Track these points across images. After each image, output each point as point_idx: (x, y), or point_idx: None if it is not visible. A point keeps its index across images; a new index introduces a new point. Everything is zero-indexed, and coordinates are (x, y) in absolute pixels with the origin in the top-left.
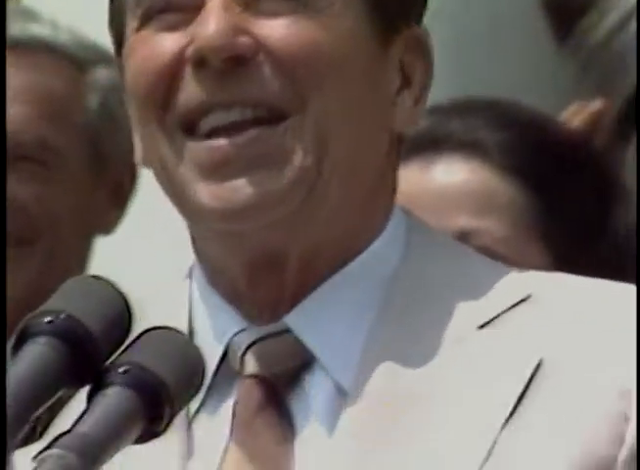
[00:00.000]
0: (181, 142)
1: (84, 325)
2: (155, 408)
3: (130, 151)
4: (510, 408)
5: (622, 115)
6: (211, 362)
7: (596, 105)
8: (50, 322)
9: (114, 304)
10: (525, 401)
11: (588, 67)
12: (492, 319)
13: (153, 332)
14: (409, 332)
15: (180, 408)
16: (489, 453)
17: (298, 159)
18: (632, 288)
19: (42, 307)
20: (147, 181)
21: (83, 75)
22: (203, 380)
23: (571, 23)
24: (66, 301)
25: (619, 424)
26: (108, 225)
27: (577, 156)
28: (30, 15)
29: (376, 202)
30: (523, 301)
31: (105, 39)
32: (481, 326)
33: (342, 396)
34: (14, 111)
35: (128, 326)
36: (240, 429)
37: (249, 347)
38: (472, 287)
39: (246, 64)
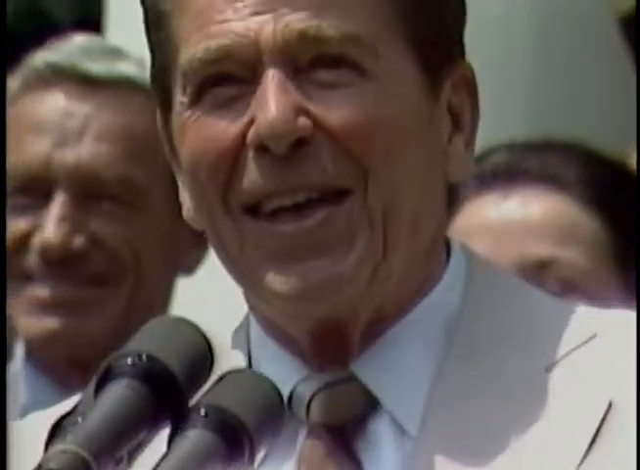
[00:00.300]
0: (245, 224)
1: (166, 367)
2: (235, 450)
3: None
4: (582, 453)
5: None
6: None
7: None
8: (132, 364)
9: (195, 345)
10: (596, 445)
11: None
12: (559, 361)
13: (234, 374)
14: (474, 375)
15: (260, 449)
16: None
17: (365, 236)
18: None
19: (125, 348)
20: None
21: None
22: (283, 421)
23: None
24: (148, 341)
25: None
26: (190, 265)
27: None
28: (117, 53)
29: (434, 251)
30: (588, 340)
31: None
32: (548, 369)
33: (410, 442)
34: (99, 150)
35: (210, 367)
36: None
37: (314, 394)
38: (536, 327)
39: (306, 145)
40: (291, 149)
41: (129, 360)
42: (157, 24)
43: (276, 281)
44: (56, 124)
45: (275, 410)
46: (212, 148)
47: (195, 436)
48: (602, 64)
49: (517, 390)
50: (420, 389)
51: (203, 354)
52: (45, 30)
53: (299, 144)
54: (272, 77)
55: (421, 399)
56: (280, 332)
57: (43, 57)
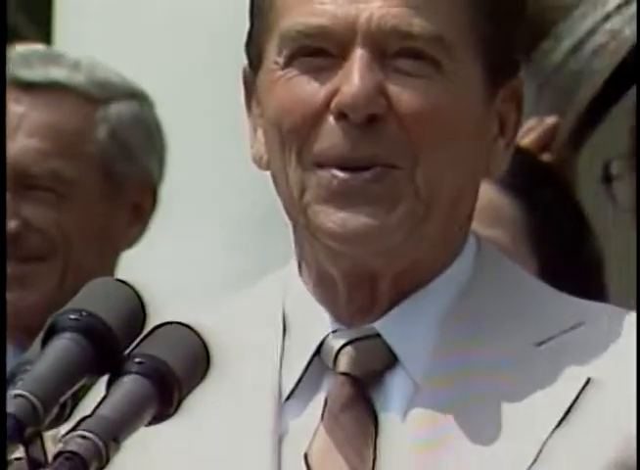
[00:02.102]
0: (311, 173)
1: (104, 321)
2: (165, 393)
3: (147, 174)
4: (558, 419)
5: (575, 128)
6: (304, 357)
7: (551, 120)
8: (74, 319)
9: (129, 301)
10: (572, 414)
11: (545, 87)
12: (548, 339)
13: (164, 327)
14: (474, 340)
15: (188, 393)
16: (537, 458)
17: (409, 201)
18: None
19: (67, 306)
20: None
21: (95, 111)
22: (207, 369)
23: (531, 49)
24: (87, 299)
25: None
26: (129, 242)
27: (553, 174)
28: (51, 58)
29: (460, 231)
30: (576, 327)
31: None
32: (538, 344)
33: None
34: (28, 146)
35: (143, 321)
36: (330, 419)
37: (342, 347)
38: (531, 308)
39: (378, 121)
40: (365, 120)
41: (71, 316)
42: None
43: (325, 220)
44: None
45: (200, 360)
46: (299, 108)
47: (130, 381)
48: None
49: (508, 357)
50: (428, 348)
51: (136, 310)
52: None
53: (372, 118)
54: (361, 56)
55: (428, 356)
56: (321, 278)
57: None
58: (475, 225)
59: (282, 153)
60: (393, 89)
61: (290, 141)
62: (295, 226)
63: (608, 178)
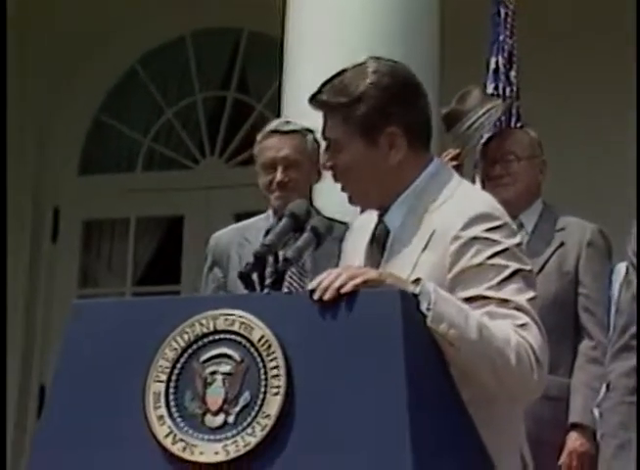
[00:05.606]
0: None
1: (298, 215)
2: (318, 242)
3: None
4: (422, 248)
5: (465, 155)
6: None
7: (457, 150)
8: (288, 214)
9: (305, 208)
10: (428, 245)
11: (456, 139)
12: (436, 208)
13: (317, 217)
14: (415, 213)
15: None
16: (413, 270)
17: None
18: (486, 194)
19: (286, 209)
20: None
21: (305, 137)
22: (343, 233)
23: (453, 125)
24: (293, 206)
25: (449, 255)
26: (315, 183)
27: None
28: (288, 122)
29: (403, 176)
30: (446, 200)
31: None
32: (432, 212)
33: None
34: (286, 153)
35: (309, 214)
36: (367, 254)
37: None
38: (438, 194)
39: (333, 170)
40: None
41: (288, 213)
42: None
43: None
44: (272, 147)
45: (330, 229)
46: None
47: (307, 235)
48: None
49: (422, 218)
50: (399, 220)
51: (309, 210)
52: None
53: (332, 170)
54: (323, 150)
55: (400, 224)
56: None
57: (269, 126)
58: None
59: None
60: (333, 160)
61: None
62: None
63: (475, 166)
